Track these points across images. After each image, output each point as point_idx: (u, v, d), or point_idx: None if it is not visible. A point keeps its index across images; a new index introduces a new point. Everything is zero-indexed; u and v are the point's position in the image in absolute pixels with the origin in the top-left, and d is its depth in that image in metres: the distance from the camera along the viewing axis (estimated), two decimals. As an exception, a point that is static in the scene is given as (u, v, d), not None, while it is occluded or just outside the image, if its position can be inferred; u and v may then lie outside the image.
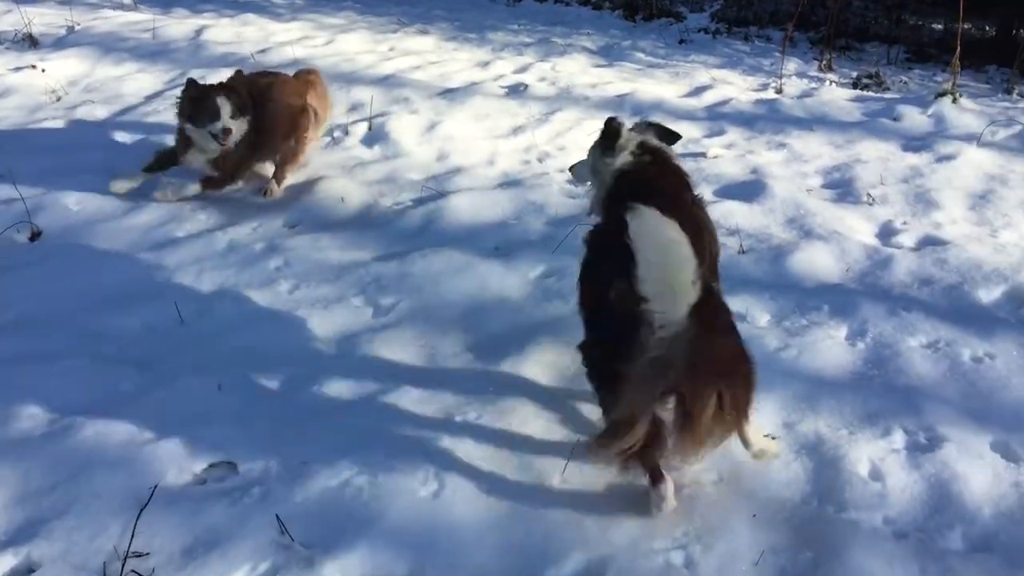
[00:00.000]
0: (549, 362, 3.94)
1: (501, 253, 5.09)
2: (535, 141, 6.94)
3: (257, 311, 4.40)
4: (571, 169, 4.16)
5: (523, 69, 9.19)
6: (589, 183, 3.93)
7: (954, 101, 7.82)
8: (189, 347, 4.10)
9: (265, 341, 4.13)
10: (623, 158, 3.55)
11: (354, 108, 7.61)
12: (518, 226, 5.44)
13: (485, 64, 9.29)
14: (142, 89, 7.85)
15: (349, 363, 3.93)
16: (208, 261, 4.89)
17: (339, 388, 3.74)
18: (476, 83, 8.38)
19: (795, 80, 9.39)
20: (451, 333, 4.20)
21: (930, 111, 7.66)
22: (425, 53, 9.81)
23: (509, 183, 6.13)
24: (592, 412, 3.54)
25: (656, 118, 7.42)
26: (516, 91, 8.20)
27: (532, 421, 3.54)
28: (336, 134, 6.91)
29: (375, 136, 6.80)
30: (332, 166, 6.30)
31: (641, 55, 10.77)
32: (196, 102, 5.33)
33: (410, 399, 3.66)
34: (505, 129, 7.22)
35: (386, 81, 8.26)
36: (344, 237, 5.25)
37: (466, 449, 3.36)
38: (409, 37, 10.85)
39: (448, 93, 7.95)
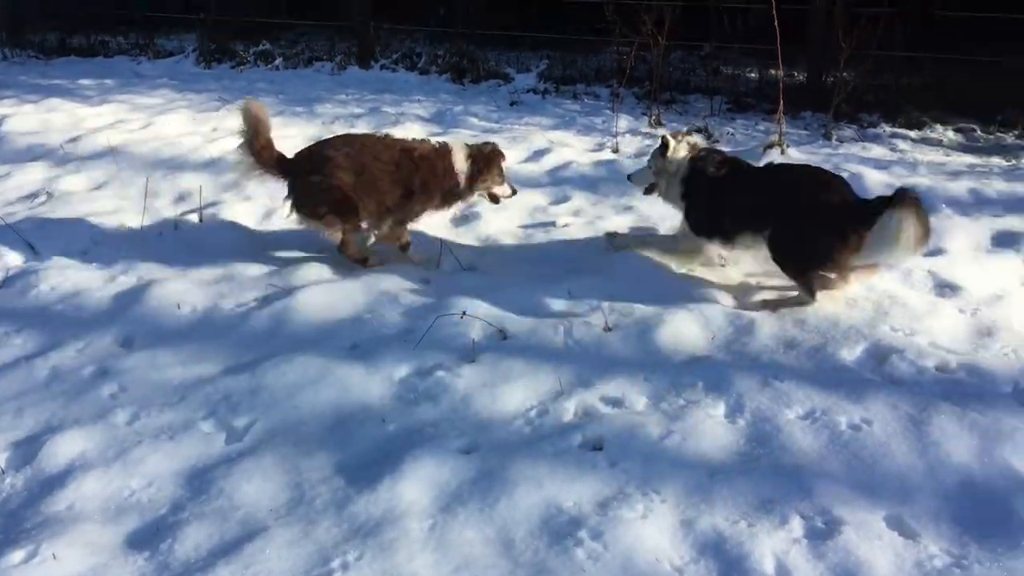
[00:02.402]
0: (428, 477, 3.63)
1: (360, 352, 4.77)
2: (380, 222, 6.65)
3: (92, 452, 3.87)
4: (630, 178, 6.29)
5: (358, 143, 8.86)
6: (650, 184, 6.06)
7: (782, 152, 8.09)
8: (11, 507, 3.57)
9: (104, 490, 3.63)
10: (682, 154, 5.73)
11: (182, 198, 7.16)
12: (373, 320, 5.13)
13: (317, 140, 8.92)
14: (-63, 195, 7.11)
15: (205, 507, 3.49)
16: (28, 396, 4.33)
17: (195, 541, 3.30)
18: (311, 162, 8.01)
19: (629, 138, 9.51)
20: (317, 454, 3.84)
21: (762, 163, 7.87)
22: (253, 131, 9.35)
23: (358, 271, 5.82)
24: (475, 539, 3.28)
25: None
26: (354, 168, 7.89)
27: (419, 554, 3.23)
28: (163, 230, 6.42)
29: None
30: (163, 266, 5.81)
31: (475, 120, 10.70)
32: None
33: (279, 545, 3.26)
34: (347, 211, 6.90)
35: (214, 165, 7.83)
36: (186, 350, 4.79)
37: (350, 600, 3.01)
38: (233, 115, 10.34)
39: (282, 175, 7.55)
